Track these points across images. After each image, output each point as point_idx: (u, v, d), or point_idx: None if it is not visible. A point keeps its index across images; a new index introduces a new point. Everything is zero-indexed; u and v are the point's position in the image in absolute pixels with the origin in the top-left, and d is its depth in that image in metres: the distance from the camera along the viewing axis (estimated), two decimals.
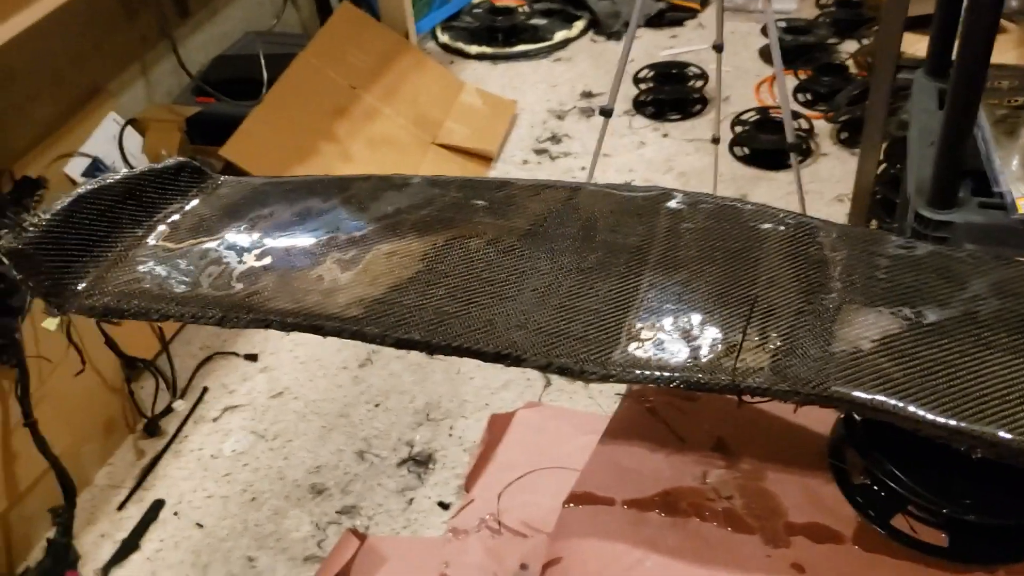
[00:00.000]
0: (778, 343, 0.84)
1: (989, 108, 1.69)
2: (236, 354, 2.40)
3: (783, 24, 3.46)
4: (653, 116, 3.20)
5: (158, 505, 2.04)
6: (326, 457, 2.12)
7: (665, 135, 3.11)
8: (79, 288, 0.91)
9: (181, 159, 1.01)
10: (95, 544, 1.98)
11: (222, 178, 1.05)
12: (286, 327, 0.89)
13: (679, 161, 2.97)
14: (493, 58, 3.59)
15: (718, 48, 2.42)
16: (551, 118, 3.24)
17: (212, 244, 0.97)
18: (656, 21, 3.69)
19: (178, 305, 0.90)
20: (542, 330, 0.89)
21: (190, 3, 2.91)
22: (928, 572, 0.89)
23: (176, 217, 0.99)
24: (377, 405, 2.24)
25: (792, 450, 1.00)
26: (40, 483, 1.92)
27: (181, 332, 2.45)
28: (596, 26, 3.72)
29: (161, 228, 0.97)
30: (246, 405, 2.27)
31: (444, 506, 1.99)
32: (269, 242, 0.98)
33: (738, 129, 3.02)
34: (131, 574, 1.92)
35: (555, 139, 3.13)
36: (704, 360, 0.82)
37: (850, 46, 3.40)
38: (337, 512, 2.00)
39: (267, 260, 0.95)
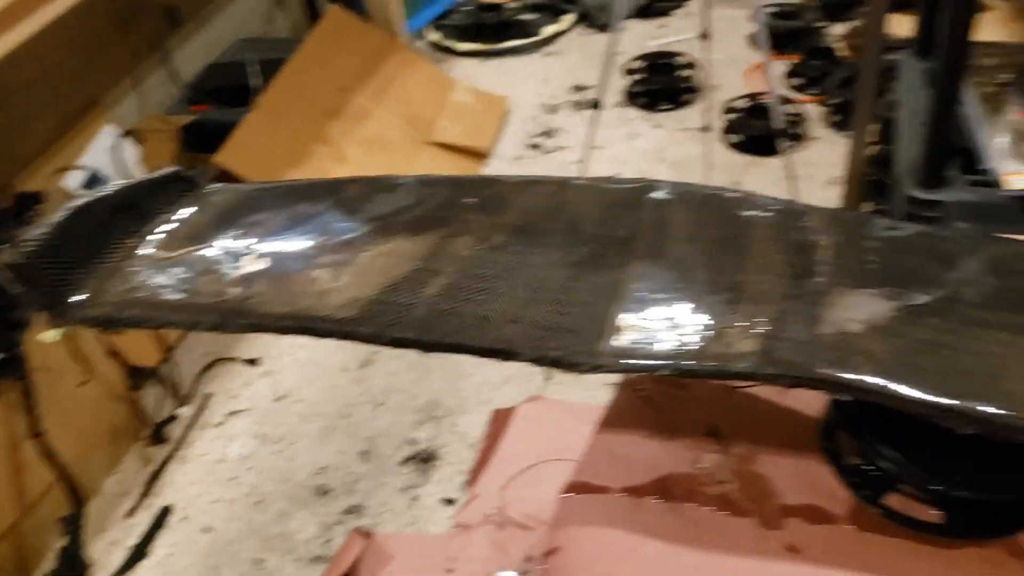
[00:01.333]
0: (766, 328, 0.85)
1: (975, 86, 1.70)
2: (238, 359, 2.42)
3: (773, 9, 3.46)
4: (646, 107, 3.21)
5: (166, 511, 2.06)
6: (330, 458, 2.14)
7: (658, 126, 3.12)
8: (79, 299, 0.92)
9: (172, 169, 1.02)
10: (106, 552, 1.99)
11: (215, 186, 1.06)
12: (281, 330, 0.91)
13: (672, 151, 2.98)
14: (483, 55, 3.60)
15: (704, 36, 2.43)
16: (543, 113, 3.25)
17: (206, 251, 0.98)
18: (644, 11, 3.69)
19: (175, 312, 0.91)
20: (535, 324, 0.91)
21: (181, 14, 2.92)
22: (922, 548, 0.90)
23: (170, 226, 1.00)
24: (379, 405, 2.26)
25: (784, 434, 1.01)
26: (50, 494, 1.94)
27: (184, 339, 2.46)
28: (586, 19, 3.73)
29: (156, 237, 0.99)
30: (249, 409, 2.29)
31: (449, 502, 2.01)
32: (262, 247, 0.99)
33: (730, 116, 3.02)
34: None
35: (548, 134, 3.14)
36: (692, 347, 0.84)
37: (839, 29, 3.40)
38: (342, 512, 2.01)
39: (261, 265, 0.97)
